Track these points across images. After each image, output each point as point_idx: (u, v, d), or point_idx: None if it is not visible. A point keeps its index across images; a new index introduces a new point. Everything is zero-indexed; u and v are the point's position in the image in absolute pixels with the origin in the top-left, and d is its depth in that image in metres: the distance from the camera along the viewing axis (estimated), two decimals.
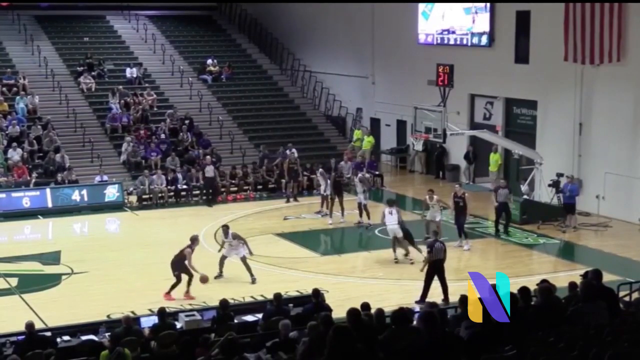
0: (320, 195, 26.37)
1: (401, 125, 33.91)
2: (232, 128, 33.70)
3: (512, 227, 24.70)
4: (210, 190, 28.07)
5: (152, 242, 23.55)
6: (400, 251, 20.98)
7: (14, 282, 19.71)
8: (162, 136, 31.54)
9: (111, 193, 27.70)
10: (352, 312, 9.54)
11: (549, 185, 25.08)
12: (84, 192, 27.44)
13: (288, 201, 28.17)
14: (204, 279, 18.54)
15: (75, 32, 38.73)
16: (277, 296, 14.80)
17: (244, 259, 19.52)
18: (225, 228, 19.92)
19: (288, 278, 19.69)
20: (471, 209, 26.74)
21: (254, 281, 19.27)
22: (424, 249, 19.08)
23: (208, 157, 29.08)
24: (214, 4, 43.19)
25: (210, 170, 28.17)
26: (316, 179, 28.58)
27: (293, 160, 29.47)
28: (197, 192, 28.63)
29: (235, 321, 14.26)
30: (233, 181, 29.09)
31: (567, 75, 26.58)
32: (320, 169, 27.09)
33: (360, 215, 24.68)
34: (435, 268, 17.87)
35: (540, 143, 27.67)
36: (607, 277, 14.18)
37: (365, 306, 12.98)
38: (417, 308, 15.60)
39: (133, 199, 28.00)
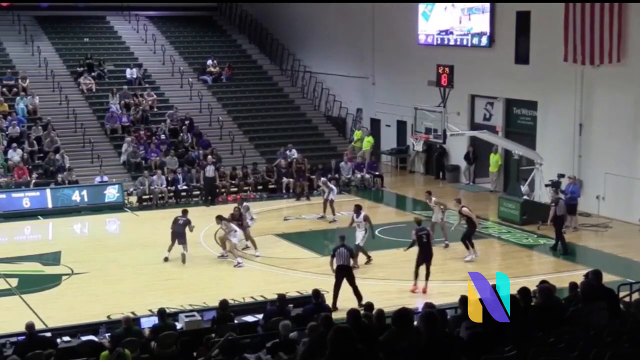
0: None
1: (401, 125, 33.90)
2: (232, 129, 33.70)
3: (512, 227, 24.74)
4: (210, 190, 28.14)
5: (152, 242, 23.52)
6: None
7: (14, 282, 19.71)
8: (162, 137, 31.54)
9: (111, 194, 27.71)
10: (352, 312, 9.54)
11: (546, 186, 25.07)
12: (84, 192, 27.44)
13: (298, 199, 28.41)
14: None
15: (76, 33, 38.74)
16: (281, 297, 14.80)
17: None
18: (358, 208, 20.81)
19: (288, 279, 19.70)
20: (471, 209, 26.77)
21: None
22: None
23: (209, 157, 29.13)
24: (214, 4, 43.20)
25: (210, 170, 28.22)
26: (316, 180, 28.67)
27: (301, 161, 29.78)
28: (197, 192, 28.66)
29: (235, 322, 14.26)
30: (233, 182, 29.10)
31: (567, 76, 26.58)
32: (323, 179, 26.88)
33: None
34: (339, 273, 17.59)
35: (540, 144, 27.67)
36: (607, 278, 14.19)
37: (369, 306, 12.98)
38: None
39: (133, 199, 28.01)
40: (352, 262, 17.89)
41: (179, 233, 21.37)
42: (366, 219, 20.66)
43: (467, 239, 21.31)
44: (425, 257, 18.70)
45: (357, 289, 17.53)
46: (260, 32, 41.33)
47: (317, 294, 14.86)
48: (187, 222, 21.63)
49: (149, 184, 27.95)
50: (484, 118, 30.50)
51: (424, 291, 18.46)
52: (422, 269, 18.63)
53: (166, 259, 21.39)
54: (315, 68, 38.11)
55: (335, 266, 17.68)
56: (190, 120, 32.79)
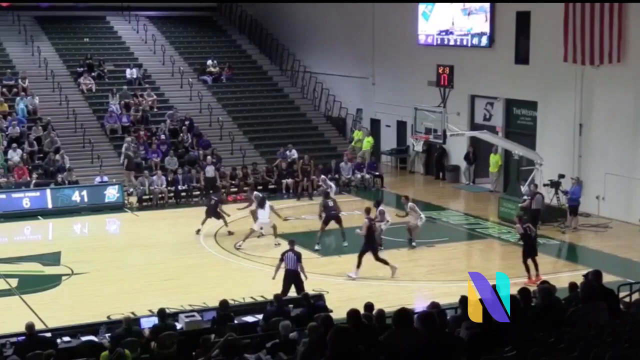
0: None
1: (401, 126, 33.90)
2: (232, 129, 33.70)
3: (512, 227, 24.71)
4: (211, 191, 28.13)
5: (152, 243, 23.56)
6: None
7: (14, 282, 19.70)
8: (162, 137, 31.55)
9: (111, 194, 27.69)
10: (352, 313, 9.53)
11: (545, 185, 25.09)
12: (84, 192, 27.43)
13: (298, 199, 28.57)
14: None
15: (76, 33, 38.74)
16: (277, 297, 14.80)
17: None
18: (377, 203, 22.34)
19: None
20: (470, 210, 26.74)
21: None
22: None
23: (209, 157, 29.18)
24: (214, 4, 43.20)
25: (210, 171, 28.26)
26: (316, 178, 28.71)
27: (307, 162, 30.01)
28: (197, 192, 28.67)
29: (235, 322, 14.26)
30: (233, 182, 29.10)
31: (567, 76, 26.58)
32: (323, 176, 27.06)
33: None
34: (287, 278, 17.37)
35: (541, 144, 27.67)
36: (608, 278, 14.19)
37: (369, 306, 12.97)
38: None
39: (133, 199, 28.01)
40: (299, 266, 17.44)
41: (211, 210, 23.82)
42: (382, 213, 21.73)
43: (362, 255, 19.59)
44: (531, 251, 19.20)
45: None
46: (260, 32, 41.33)
47: (306, 296, 14.92)
48: (219, 202, 23.87)
49: (149, 184, 27.95)
50: (484, 118, 30.50)
51: (539, 279, 17.77)
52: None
53: (198, 231, 23.80)
54: (315, 68, 38.11)
55: (284, 270, 17.52)
56: (190, 120, 32.79)
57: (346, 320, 9.49)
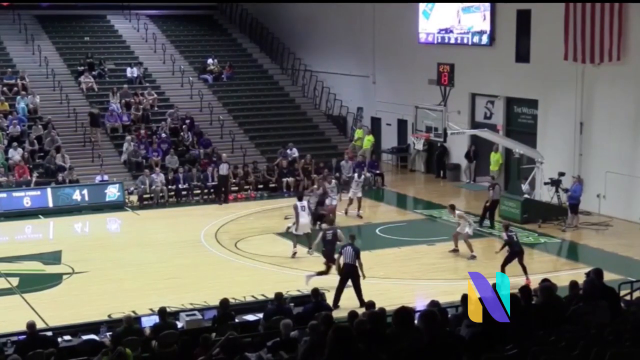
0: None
1: (402, 124, 33.90)
2: (232, 128, 33.70)
3: (513, 226, 24.73)
4: (223, 189, 28.18)
5: (153, 241, 23.56)
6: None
7: (15, 281, 19.72)
8: (163, 136, 31.55)
9: (112, 193, 27.70)
10: (353, 312, 9.54)
11: (545, 184, 25.09)
12: (85, 191, 27.44)
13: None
14: None
15: (76, 32, 38.74)
16: (278, 295, 14.79)
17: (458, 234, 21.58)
18: (451, 208, 22.17)
19: (289, 278, 19.68)
20: (470, 209, 26.68)
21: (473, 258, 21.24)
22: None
23: (224, 155, 29.40)
24: (215, 3, 43.19)
25: (224, 168, 28.30)
26: (317, 180, 28.68)
27: (308, 162, 30.09)
28: (198, 191, 28.68)
29: (236, 320, 14.25)
30: (234, 181, 29.11)
31: (568, 75, 26.56)
32: (335, 181, 26.67)
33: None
34: (344, 272, 17.55)
35: (541, 142, 27.66)
36: (608, 276, 14.16)
37: (371, 305, 12.97)
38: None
39: (134, 198, 28.01)
40: (357, 262, 17.61)
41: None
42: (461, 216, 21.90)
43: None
44: (515, 255, 19.15)
45: (361, 292, 17.31)
46: (261, 31, 41.32)
47: (316, 292, 14.85)
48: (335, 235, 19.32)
49: (149, 183, 27.95)
50: (484, 117, 30.48)
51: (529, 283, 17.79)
52: (509, 267, 18.96)
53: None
54: (316, 67, 38.10)
55: (341, 264, 17.63)
56: (191, 119, 32.78)
57: (347, 319, 9.49)
